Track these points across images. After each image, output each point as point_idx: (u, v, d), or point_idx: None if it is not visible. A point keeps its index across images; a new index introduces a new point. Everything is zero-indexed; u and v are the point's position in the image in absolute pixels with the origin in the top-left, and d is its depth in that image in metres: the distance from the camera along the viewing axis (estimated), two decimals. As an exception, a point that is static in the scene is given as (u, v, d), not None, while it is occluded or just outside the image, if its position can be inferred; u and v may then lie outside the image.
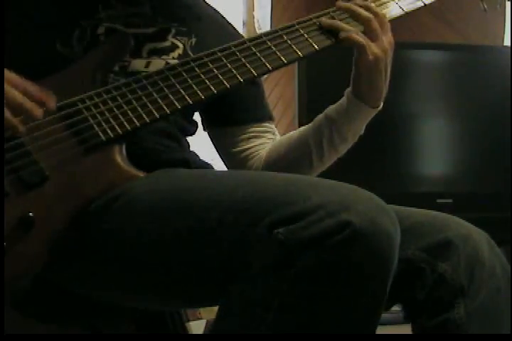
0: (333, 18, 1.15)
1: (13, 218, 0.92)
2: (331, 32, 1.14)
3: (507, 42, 2.96)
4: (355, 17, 1.14)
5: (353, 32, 1.12)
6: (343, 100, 1.20)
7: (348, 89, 1.19)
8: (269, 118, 1.33)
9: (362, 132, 1.24)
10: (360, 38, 1.12)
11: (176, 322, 1.23)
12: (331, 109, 1.22)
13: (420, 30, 3.05)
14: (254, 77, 1.09)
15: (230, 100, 1.23)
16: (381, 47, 1.13)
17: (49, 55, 1.10)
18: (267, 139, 1.30)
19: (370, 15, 1.13)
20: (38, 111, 0.93)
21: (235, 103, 1.26)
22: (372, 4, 1.17)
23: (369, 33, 1.13)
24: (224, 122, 1.30)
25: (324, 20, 1.14)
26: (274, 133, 1.32)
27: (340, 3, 1.16)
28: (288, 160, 1.25)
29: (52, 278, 1.04)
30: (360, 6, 1.15)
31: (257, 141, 1.29)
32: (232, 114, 1.28)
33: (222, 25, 1.31)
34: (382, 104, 1.20)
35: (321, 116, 1.23)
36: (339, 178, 0.86)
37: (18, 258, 0.92)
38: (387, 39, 1.14)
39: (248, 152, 1.28)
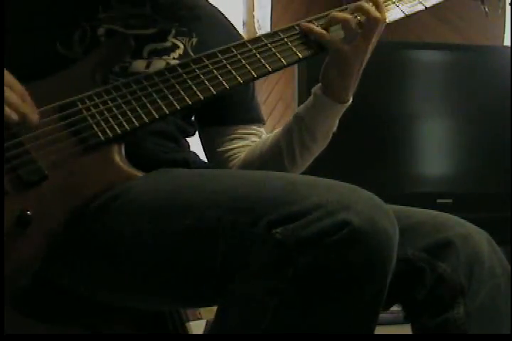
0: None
1: (11, 216, 0.93)
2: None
3: (507, 42, 2.96)
4: (363, 12, 1.12)
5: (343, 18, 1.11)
6: (310, 97, 1.19)
7: (316, 86, 1.19)
8: (257, 121, 1.32)
9: (334, 130, 1.22)
10: (329, 36, 1.11)
11: (176, 322, 1.23)
12: (299, 107, 1.21)
13: (420, 30, 3.06)
14: (254, 79, 1.09)
15: (219, 100, 1.23)
16: (366, 44, 1.12)
17: (49, 56, 1.10)
18: (251, 142, 1.30)
19: (378, 14, 1.12)
20: (34, 116, 0.94)
21: (224, 104, 1.26)
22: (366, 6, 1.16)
23: (367, 28, 1.11)
24: (212, 122, 1.29)
25: (304, 25, 1.13)
26: (260, 136, 1.31)
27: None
28: (261, 161, 1.24)
29: (52, 277, 1.04)
30: (358, 9, 1.14)
31: (240, 143, 1.29)
32: (220, 114, 1.28)
33: (224, 26, 1.30)
34: (351, 99, 1.18)
35: (290, 117, 1.23)
36: (339, 178, 0.86)
37: (15, 257, 0.92)
38: (374, 40, 1.13)
39: (230, 153, 1.28)
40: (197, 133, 1.30)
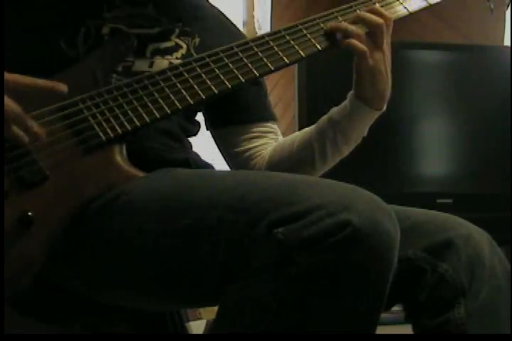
0: (337, 18, 1.15)
1: (12, 217, 0.92)
2: (334, 34, 1.13)
3: (507, 42, 2.96)
4: (365, 23, 1.13)
5: (355, 34, 1.12)
6: (346, 103, 1.20)
7: (351, 92, 1.19)
8: (271, 118, 1.33)
9: (365, 134, 1.24)
10: (361, 45, 1.12)
11: (176, 322, 1.23)
12: (334, 111, 1.22)
13: (420, 30, 3.05)
14: (256, 78, 1.09)
15: (232, 100, 1.23)
16: (382, 50, 1.13)
17: (53, 54, 1.10)
18: (270, 139, 1.30)
19: (380, 21, 1.13)
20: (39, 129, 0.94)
21: (238, 103, 1.27)
22: (378, 5, 1.16)
23: (375, 37, 1.13)
24: (226, 122, 1.30)
25: (329, 24, 1.14)
26: (276, 134, 1.32)
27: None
28: (291, 161, 1.25)
29: (52, 277, 1.04)
30: (369, 11, 1.15)
31: (260, 141, 1.29)
32: (235, 113, 1.29)
33: (226, 26, 1.31)
34: (385, 105, 1.20)
35: (324, 118, 1.23)
36: (339, 178, 0.86)
37: (16, 258, 0.92)
38: (387, 41, 1.15)
39: (251, 152, 1.28)
40: (198, 133, 1.30)
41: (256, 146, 1.29)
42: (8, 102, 0.90)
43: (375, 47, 1.13)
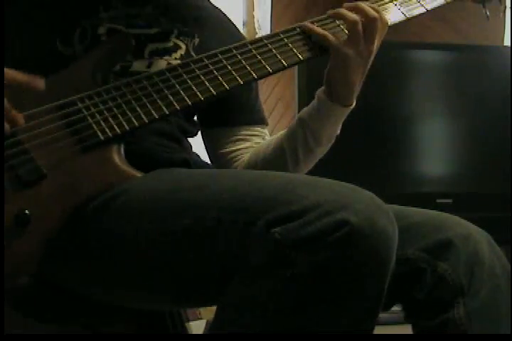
0: (334, 21, 1.15)
1: (9, 216, 0.93)
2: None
3: (507, 42, 2.96)
4: (361, 14, 1.12)
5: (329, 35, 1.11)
6: (314, 101, 1.19)
7: (319, 90, 1.18)
8: (260, 122, 1.33)
9: (338, 132, 1.22)
10: (332, 38, 1.11)
11: (176, 322, 1.23)
12: (303, 111, 1.21)
13: (420, 30, 3.05)
14: (255, 80, 1.09)
15: (222, 102, 1.23)
16: (371, 46, 1.12)
17: (50, 54, 1.10)
18: (254, 143, 1.30)
19: (376, 14, 1.12)
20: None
21: (227, 105, 1.26)
22: (375, 5, 1.16)
23: (368, 30, 1.11)
24: (214, 123, 1.30)
25: (306, 26, 1.13)
26: (263, 138, 1.32)
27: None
28: (264, 164, 1.24)
29: (52, 277, 1.04)
30: (353, 8, 1.14)
31: (244, 144, 1.29)
32: (223, 115, 1.29)
33: (226, 27, 1.30)
34: (354, 102, 1.19)
35: (295, 119, 1.22)
36: (339, 178, 0.86)
37: (13, 257, 0.92)
38: (378, 40, 1.13)
39: (233, 154, 1.29)
40: (199, 134, 1.30)
41: (239, 149, 1.29)
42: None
43: (365, 41, 1.11)
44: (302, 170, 1.25)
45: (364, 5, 1.14)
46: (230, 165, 1.28)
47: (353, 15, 1.12)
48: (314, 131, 1.19)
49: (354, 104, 1.19)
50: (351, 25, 1.12)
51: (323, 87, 1.18)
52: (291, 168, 1.23)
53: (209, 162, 1.28)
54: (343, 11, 1.14)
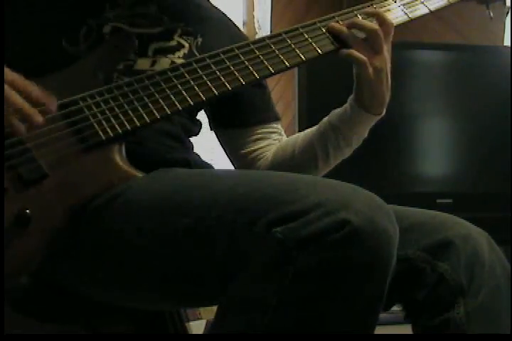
0: (337, 22, 1.15)
1: (9, 215, 0.92)
2: (335, 37, 1.14)
3: (507, 42, 2.96)
4: (361, 29, 1.13)
5: (354, 41, 1.12)
6: (346, 107, 1.21)
7: (351, 97, 1.20)
8: (275, 118, 1.34)
9: (366, 135, 1.24)
10: (360, 55, 1.12)
11: (176, 322, 1.23)
12: (335, 115, 1.22)
13: (420, 30, 3.05)
14: (257, 80, 1.09)
15: (236, 102, 1.24)
16: (382, 58, 1.13)
17: (54, 53, 1.10)
18: (273, 140, 1.31)
19: (375, 27, 1.12)
20: (38, 117, 0.92)
21: (242, 105, 1.27)
22: (381, 10, 1.16)
23: (373, 43, 1.12)
24: (231, 123, 1.30)
25: (331, 24, 1.14)
26: (280, 134, 1.33)
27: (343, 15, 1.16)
28: (294, 162, 1.25)
29: (52, 277, 1.04)
30: (370, 14, 1.15)
31: (264, 142, 1.30)
32: (239, 115, 1.29)
33: (229, 27, 1.31)
34: (384, 110, 1.20)
35: (325, 121, 1.23)
36: (339, 178, 0.86)
37: (13, 256, 0.92)
38: (387, 47, 1.14)
39: (256, 153, 1.29)
40: (201, 134, 1.30)
41: (261, 147, 1.29)
42: (8, 71, 0.90)
43: (374, 54, 1.13)
44: (328, 168, 1.27)
45: (360, 20, 1.14)
46: (254, 164, 1.29)
47: (371, 24, 1.13)
48: (345, 135, 1.21)
49: (384, 112, 1.20)
50: (373, 33, 1.12)
51: (353, 95, 1.19)
52: (320, 166, 1.25)
53: (209, 162, 1.28)
54: (360, 21, 1.14)
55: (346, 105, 1.21)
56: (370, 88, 1.15)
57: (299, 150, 1.25)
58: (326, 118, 1.24)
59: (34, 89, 0.92)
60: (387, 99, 1.19)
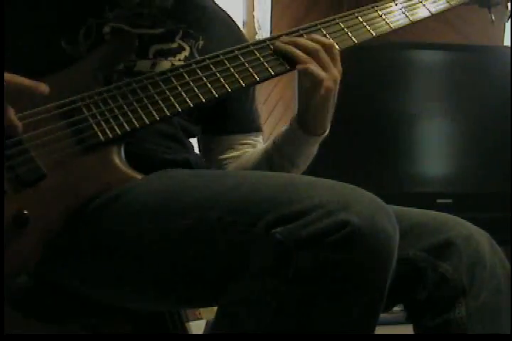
0: (302, 35, 1.12)
1: (8, 215, 0.92)
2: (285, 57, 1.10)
3: (507, 42, 2.96)
4: (302, 49, 1.09)
5: (309, 62, 1.08)
6: (288, 128, 1.18)
7: (293, 117, 1.17)
8: (254, 129, 1.32)
9: (314, 153, 1.21)
10: (319, 70, 1.08)
11: (176, 322, 1.23)
12: (279, 134, 1.20)
13: (420, 30, 3.05)
14: (257, 82, 1.09)
15: (217, 109, 1.23)
16: (331, 77, 1.09)
17: (54, 53, 1.10)
18: (244, 152, 1.30)
19: (316, 46, 1.09)
20: (42, 85, 0.93)
21: (222, 112, 1.26)
22: (317, 36, 1.11)
23: (318, 62, 1.09)
24: (208, 129, 1.29)
25: (277, 44, 1.10)
26: (254, 146, 1.31)
27: (284, 39, 1.11)
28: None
29: (52, 277, 1.04)
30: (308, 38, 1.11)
31: (233, 153, 1.29)
32: (219, 123, 1.28)
33: (232, 30, 1.30)
34: (328, 130, 1.17)
35: (270, 141, 1.22)
36: (339, 178, 0.86)
37: (11, 256, 0.92)
38: (337, 67, 1.11)
39: (223, 162, 1.29)
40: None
41: (228, 157, 1.29)
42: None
43: (327, 76, 1.08)
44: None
45: (299, 39, 1.10)
46: None
47: (312, 44, 1.09)
48: (288, 155, 1.19)
49: (327, 132, 1.17)
50: (314, 53, 1.08)
51: (295, 115, 1.17)
52: None
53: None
54: (300, 40, 1.10)
55: (288, 125, 1.18)
56: (315, 108, 1.12)
57: (252, 166, 1.24)
58: (272, 137, 1.22)
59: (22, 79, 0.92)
60: (330, 119, 1.16)
